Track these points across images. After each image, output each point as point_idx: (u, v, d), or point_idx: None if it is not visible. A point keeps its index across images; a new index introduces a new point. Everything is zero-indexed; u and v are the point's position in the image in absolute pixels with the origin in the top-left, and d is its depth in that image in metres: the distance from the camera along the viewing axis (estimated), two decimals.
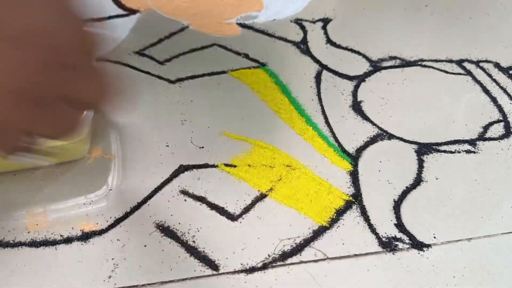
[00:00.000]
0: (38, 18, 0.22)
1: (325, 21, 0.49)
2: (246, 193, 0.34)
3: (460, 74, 0.45)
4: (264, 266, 0.30)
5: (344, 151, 0.37)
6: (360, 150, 0.37)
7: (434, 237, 0.32)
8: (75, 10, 0.24)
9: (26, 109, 0.22)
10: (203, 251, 0.31)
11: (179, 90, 0.41)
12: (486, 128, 0.40)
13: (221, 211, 0.33)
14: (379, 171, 0.36)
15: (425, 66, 0.45)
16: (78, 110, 0.26)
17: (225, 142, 0.37)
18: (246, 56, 0.45)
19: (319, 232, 0.32)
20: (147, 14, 0.49)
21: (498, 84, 0.44)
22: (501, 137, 0.39)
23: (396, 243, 0.32)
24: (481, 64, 0.46)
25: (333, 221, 0.33)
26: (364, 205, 0.34)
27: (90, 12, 0.27)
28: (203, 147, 0.36)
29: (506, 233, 0.33)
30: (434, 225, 0.33)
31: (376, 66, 0.45)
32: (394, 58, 0.46)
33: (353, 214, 0.33)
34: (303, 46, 0.46)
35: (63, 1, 0.24)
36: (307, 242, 0.31)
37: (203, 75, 0.42)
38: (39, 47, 0.22)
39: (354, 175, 0.35)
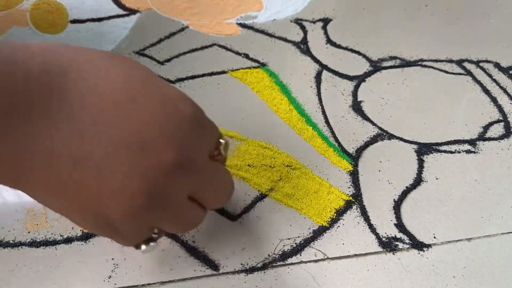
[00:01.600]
0: (157, 123, 0.21)
1: (325, 21, 0.49)
2: (246, 193, 0.34)
3: (460, 74, 0.45)
4: (264, 266, 0.30)
5: (344, 151, 0.37)
6: (360, 150, 0.37)
7: (434, 237, 0.32)
8: (194, 111, 0.23)
9: (150, 211, 0.22)
10: (203, 251, 0.31)
11: None
12: (486, 128, 0.40)
13: (221, 211, 0.33)
14: (379, 171, 0.36)
15: (425, 66, 0.45)
16: (204, 209, 0.26)
17: None
18: (246, 56, 0.45)
19: (319, 232, 0.32)
20: (147, 14, 0.49)
21: (498, 84, 0.44)
22: (501, 137, 0.39)
23: (396, 243, 0.32)
24: (481, 64, 0.46)
25: (333, 221, 0.33)
26: (364, 205, 0.34)
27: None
28: None
29: (506, 233, 0.33)
30: (434, 225, 0.33)
31: (376, 66, 0.45)
32: (394, 58, 0.46)
33: (353, 214, 0.33)
34: (303, 46, 0.46)
35: (183, 108, 0.23)
36: (307, 242, 0.31)
37: (203, 75, 0.42)
38: (162, 149, 0.21)
39: (354, 175, 0.35)
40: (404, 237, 0.32)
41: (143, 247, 0.25)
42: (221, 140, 0.25)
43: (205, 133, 0.24)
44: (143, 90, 0.21)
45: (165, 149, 0.21)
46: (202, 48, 0.45)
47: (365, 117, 0.40)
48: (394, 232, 0.32)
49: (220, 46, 0.46)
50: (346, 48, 0.47)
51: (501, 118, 0.41)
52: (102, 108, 0.20)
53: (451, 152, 0.38)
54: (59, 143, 0.20)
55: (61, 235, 0.31)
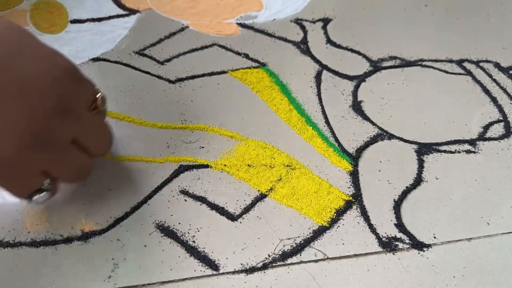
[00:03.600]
0: (36, 74, 0.24)
1: (325, 21, 0.49)
2: (246, 193, 0.34)
3: (460, 74, 0.45)
4: (264, 266, 0.30)
5: (344, 151, 0.37)
6: (360, 150, 0.37)
7: (434, 237, 0.32)
8: (68, 65, 0.27)
9: (38, 151, 0.25)
10: (203, 251, 0.31)
11: (179, 90, 0.41)
12: (486, 128, 0.40)
13: (221, 211, 0.33)
14: (379, 171, 0.36)
15: (425, 66, 0.45)
16: (88, 156, 0.29)
17: (225, 142, 0.37)
18: (246, 56, 0.45)
19: (319, 232, 0.32)
20: (147, 14, 0.49)
21: (498, 84, 0.44)
22: (501, 137, 0.39)
23: (396, 243, 0.32)
24: (481, 64, 0.46)
25: (333, 221, 0.33)
26: (364, 205, 0.34)
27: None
28: (203, 147, 0.36)
29: (506, 233, 0.33)
30: (434, 225, 0.33)
31: (376, 66, 0.45)
32: (394, 58, 0.46)
33: (353, 214, 0.33)
34: (303, 46, 0.46)
35: (57, 59, 0.26)
36: (307, 242, 0.31)
37: (203, 75, 0.42)
38: (43, 95, 0.25)
39: (354, 175, 0.35)
40: (404, 237, 0.32)
41: (36, 196, 0.28)
42: (98, 95, 0.29)
43: (83, 86, 0.28)
44: (20, 47, 0.25)
45: (46, 95, 0.24)
46: (202, 48, 0.45)
47: (365, 117, 0.40)
48: (394, 232, 0.32)
49: (220, 46, 0.46)
50: (346, 48, 0.47)
51: (501, 118, 0.41)
52: None
53: (451, 152, 0.38)
54: None
55: (61, 235, 0.31)
